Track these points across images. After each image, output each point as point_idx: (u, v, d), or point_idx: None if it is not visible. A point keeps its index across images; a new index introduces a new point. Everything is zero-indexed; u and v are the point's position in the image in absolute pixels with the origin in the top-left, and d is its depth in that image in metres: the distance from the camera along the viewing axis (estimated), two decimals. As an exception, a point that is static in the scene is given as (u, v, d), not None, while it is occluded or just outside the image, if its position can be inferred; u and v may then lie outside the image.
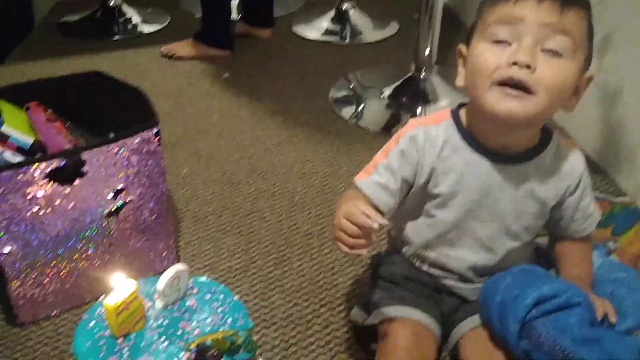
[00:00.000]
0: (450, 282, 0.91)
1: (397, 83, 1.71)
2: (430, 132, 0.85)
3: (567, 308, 0.74)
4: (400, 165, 0.85)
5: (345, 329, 0.98)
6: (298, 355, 0.94)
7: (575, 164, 0.86)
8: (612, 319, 0.79)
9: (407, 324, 0.88)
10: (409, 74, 1.71)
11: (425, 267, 0.91)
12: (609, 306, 0.80)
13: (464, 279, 0.90)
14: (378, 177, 0.86)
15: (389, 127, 1.61)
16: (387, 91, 1.71)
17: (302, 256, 1.14)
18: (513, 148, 0.83)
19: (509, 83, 0.75)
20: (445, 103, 1.64)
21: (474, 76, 0.79)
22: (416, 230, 0.90)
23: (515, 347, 0.77)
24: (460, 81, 0.84)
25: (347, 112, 1.66)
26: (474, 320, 0.88)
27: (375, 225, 0.73)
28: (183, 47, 1.99)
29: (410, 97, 1.68)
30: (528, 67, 0.74)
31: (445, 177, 0.85)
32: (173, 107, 1.67)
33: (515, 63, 0.74)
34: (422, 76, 1.69)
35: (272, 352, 0.95)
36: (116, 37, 2.18)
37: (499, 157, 0.83)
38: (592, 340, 0.72)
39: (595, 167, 1.38)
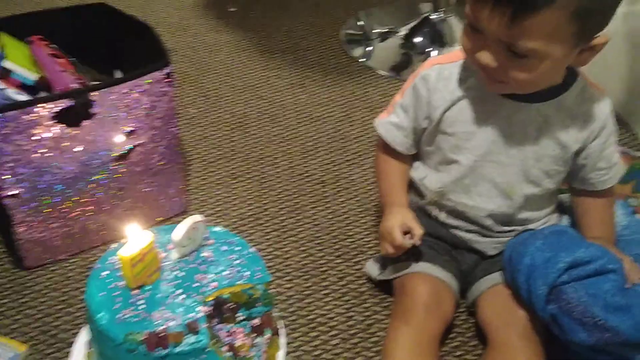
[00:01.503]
0: (469, 236, 0.88)
1: (413, 23, 1.64)
2: (444, 70, 0.83)
3: (601, 274, 0.72)
4: (413, 103, 0.86)
5: (361, 281, 0.97)
6: (313, 307, 0.93)
7: (601, 108, 0.82)
8: (637, 280, 0.78)
9: (424, 279, 0.86)
10: (425, 14, 1.64)
11: (442, 217, 0.89)
12: (635, 268, 0.78)
13: (482, 231, 0.88)
14: (394, 117, 0.89)
15: (401, 69, 1.55)
16: (403, 31, 1.63)
17: (315, 205, 1.11)
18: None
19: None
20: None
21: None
22: (432, 178, 0.88)
23: (542, 310, 0.75)
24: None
25: (359, 51, 1.60)
26: (494, 277, 0.87)
27: (410, 243, 0.83)
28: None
29: (425, 39, 1.61)
30: (491, 67, 0.73)
31: (460, 116, 0.83)
32: (179, 43, 1.59)
33: (478, 63, 0.74)
34: (439, 16, 1.61)
35: (287, 303, 0.93)
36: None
37: (516, 95, 0.80)
38: (622, 308, 0.70)
39: (617, 119, 1.32)
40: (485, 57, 0.73)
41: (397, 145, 0.88)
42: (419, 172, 0.90)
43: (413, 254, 0.89)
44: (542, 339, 0.80)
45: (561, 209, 0.94)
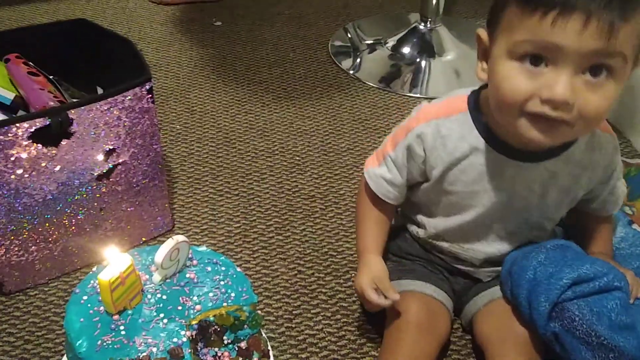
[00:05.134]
0: (463, 267, 0.86)
1: (401, 34, 1.62)
2: (442, 129, 0.76)
3: (606, 291, 0.69)
4: (407, 162, 0.80)
5: (352, 299, 0.94)
6: (303, 327, 0.90)
7: (609, 153, 0.78)
8: (639, 295, 0.75)
9: (417, 298, 0.84)
10: (414, 24, 1.62)
11: (436, 252, 0.87)
12: (637, 282, 0.76)
13: (479, 267, 0.86)
14: (385, 171, 0.82)
15: (391, 81, 1.53)
16: (391, 42, 1.62)
17: (304, 220, 1.09)
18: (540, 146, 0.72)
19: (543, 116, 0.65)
20: (451, 56, 1.56)
21: (499, 100, 0.67)
22: (429, 222, 0.85)
23: (544, 328, 0.73)
24: (481, 75, 0.72)
25: (347, 63, 1.58)
26: (492, 292, 0.84)
27: (388, 303, 0.79)
28: (172, -8, 1.87)
29: (414, 49, 1.60)
30: (567, 103, 0.63)
31: (462, 177, 0.77)
32: (163, 58, 1.57)
33: (550, 100, 0.63)
34: (427, 27, 1.60)
35: (276, 324, 0.90)
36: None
37: (522, 154, 0.74)
38: (628, 327, 0.67)
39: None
40: (559, 90, 0.61)
41: (387, 199, 0.83)
42: (413, 208, 0.87)
43: (405, 272, 0.87)
44: (542, 357, 0.78)
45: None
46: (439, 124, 0.76)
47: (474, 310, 0.85)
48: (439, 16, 1.59)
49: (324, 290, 0.96)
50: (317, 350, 0.87)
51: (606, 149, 0.78)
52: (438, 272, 0.87)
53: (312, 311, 0.92)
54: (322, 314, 0.92)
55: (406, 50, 1.60)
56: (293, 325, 0.90)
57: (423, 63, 1.57)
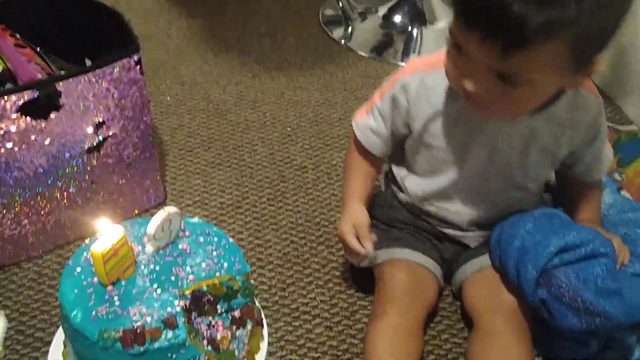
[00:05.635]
0: (451, 231, 0.87)
1: (393, 2, 1.60)
2: (426, 80, 0.77)
3: (592, 258, 0.70)
4: (391, 112, 0.82)
5: (344, 268, 0.95)
6: (296, 296, 0.91)
7: (592, 113, 0.78)
8: (626, 261, 0.76)
9: (405, 265, 0.85)
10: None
11: (424, 216, 0.87)
12: (624, 249, 0.77)
13: (465, 228, 0.86)
14: (371, 121, 0.84)
15: (383, 50, 1.52)
16: (382, 10, 1.60)
17: (296, 191, 1.09)
18: None
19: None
20: (444, 24, 1.54)
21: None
22: (414, 182, 0.86)
23: (532, 295, 0.74)
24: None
25: (338, 33, 1.57)
26: (481, 260, 0.86)
27: (364, 252, 0.81)
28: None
29: (405, 18, 1.58)
30: (476, 94, 0.66)
31: (445, 130, 0.78)
32: (152, 29, 1.55)
33: (463, 89, 0.67)
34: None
35: (269, 293, 0.91)
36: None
37: None
38: (614, 292, 0.69)
39: (601, 94, 1.32)
40: (471, 85, 0.66)
41: (372, 149, 0.85)
42: (401, 170, 0.88)
43: (393, 240, 0.88)
44: (529, 323, 0.79)
45: (545, 187, 0.92)
46: (423, 76, 0.78)
47: (463, 278, 0.86)
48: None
49: (316, 259, 0.97)
50: (310, 318, 0.88)
51: (590, 108, 0.78)
52: (426, 240, 0.88)
53: (304, 280, 0.93)
54: (314, 282, 0.93)
55: (397, 18, 1.59)
56: (286, 295, 0.91)
57: (415, 31, 1.56)
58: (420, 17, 1.57)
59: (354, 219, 0.82)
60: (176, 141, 1.20)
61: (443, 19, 1.56)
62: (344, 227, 0.82)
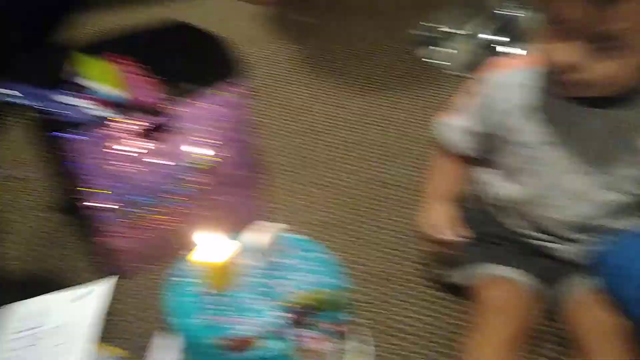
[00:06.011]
0: (550, 245, 0.84)
1: (483, 19, 1.59)
2: (510, 76, 0.79)
3: None
4: (476, 109, 0.83)
5: (443, 287, 0.95)
6: (394, 313, 0.92)
7: None
8: None
9: (504, 282, 0.84)
10: (498, 10, 1.59)
11: (515, 226, 0.85)
12: None
13: (559, 237, 0.83)
14: (456, 120, 0.86)
15: (474, 68, 1.51)
16: (473, 28, 1.60)
17: (394, 210, 1.10)
18: (613, 94, 0.73)
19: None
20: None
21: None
22: (505, 188, 0.84)
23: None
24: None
25: (436, 53, 1.57)
26: (584, 281, 0.82)
27: (450, 238, 0.82)
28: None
29: (499, 35, 1.56)
30: (573, 67, 0.67)
31: (530, 126, 0.78)
32: (248, 55, 1.60)
33: (558, 64, 0.68)
34: (512, 12, 1.56)
35: (367, 310, 0.93)
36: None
37: (593, 102, 0.73)
38: None
39: None
40: (566, 53, 0.67)
41: (457, 148, 0.86)
42: (489, 177, 0.87)
43: (489, 257, 0.86)
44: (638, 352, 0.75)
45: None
46: (513, 74, 0.79)
47: (566, 298, 0.83)
48: (525, 1, 1.56)
49: (414, 278, 0.97)
50: (406, 335, 0.88)
51: None
52: (524, 256, 0.86)
53: (402, 298, 0.94)
54: (410, 300, 0.93)
55: (488, 35, 1.58)
56: (384, 312, 0.92)
57: (506, 48, 1.54)
58: (514, 35, 1.55)
59: (437, 213, 0.84)
60: (275, 161, 1.25)
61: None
62: (427, 220, 0.84)
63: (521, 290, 0.83)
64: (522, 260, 0.86)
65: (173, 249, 1.02)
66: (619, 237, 0.78)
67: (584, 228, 0.81)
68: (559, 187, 0.80)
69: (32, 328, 0.74)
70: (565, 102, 0.75)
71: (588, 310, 0.80)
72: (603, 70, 0.68)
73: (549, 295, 0.86)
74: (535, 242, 0.85)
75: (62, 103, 0.91)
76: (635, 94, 0.73)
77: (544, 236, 0.84)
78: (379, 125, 1.32)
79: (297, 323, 0.77)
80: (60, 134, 0.82)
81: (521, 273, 0.84)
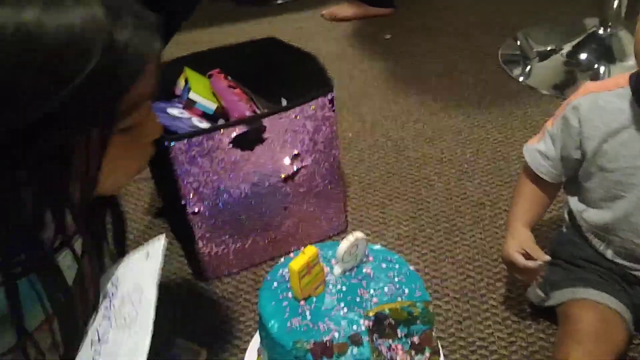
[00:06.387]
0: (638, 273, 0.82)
1: (579, 39, 1.56)
2: (599, 99, 0.77)
3: None
4: (562, 134, 0.81)
5: (523, 306, 0.93)
6: (472, 330, 0.92)
7: None
8: None
9: (591, 306, 0.82)
10: (592, 29, 1.55)
11: (609, 255, 0.83)
12: None
13: None
14: (541, 145, 0.85)
15: (565, 87, 1.48)
16: (567, 48, 1.57)
17: (472, 227, 1.10)
18: None
19: None
20: (634, 61, 1.46)
21: None
22: (593, 213, 0.83)
23: None
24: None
25: (517, 71, 1.56)
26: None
27: (536, 266, 0.80)
28: (344, 9, 1.98)
29: (592, 55, 1.53)
30: None
31: (622, 150, 0.76)
32: (336, 70, 1.66)
33: None
34: (608, 31, 1.52)
35: (445, 325, 0.93)
36: (279, 1, 2.22)
37: None
38: None
39: None
40: None
41: (542, 174, 0.85)
42: (578, 204, 0.86)
43: (578, 280, 0.85)
44: None
45: None
46: (596, 96, 0.78)
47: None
48: (621, 20, 1.51)
49: (493, 295, 0.96)
50: (487, 353, 0.88)
51: None
52: (614, 282, 0.84)
53: (481, 315, 0.93)
54: (491, 318, 0.93)
55: (583, 56, 1.54)
56: (462, 328, 0.92)
57: (602, 69, 1.50)
58: (608, 54, 1.51)
59: (519, 238, 0.83)
60: (357, 174, 1.28)
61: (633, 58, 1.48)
62: (510, 247, 0.83)
63: (612, 316, 0.81)
64: (613, 287, 0.84)
65: (260, 254, 1.07)
66: None
67: None
68: None
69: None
70: None
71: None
72: None
73: (637, 322, 0.84)
74: (627, 269, 0.83)
75: (173, 115, 0.98)
76: None
77: (636, 265, 0.82)
78: (464, 142, 1.32)
79: (376, 331, 0.78)
80: (167, 144, 0.88)
81: (612, 298, 0.82)
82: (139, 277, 0.66)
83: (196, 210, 0.96)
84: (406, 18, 1.92)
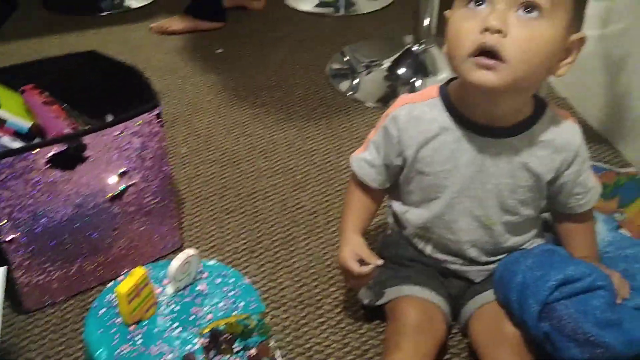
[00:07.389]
0: (456, 266, 0.91)
1: (396, 55, 1.68)
2: (414, 110, 0.84)
3: (590, 291, 0.74)
4: (384, 142, 0.87)
5: (356, 308, 0.98)
6: (309, 336, 0.94)
7: (571, 137, 0.83)
8: (626, 295, 0.79)
9: (414, 302, 0.88)
10: (408, 46, 1.69)
11: (428, 251, 0.91)
12: (624, 284, 0.80)
13: (468, 261, 0.90)
14: (366, 154, 0.90)
15: (387, 101, 1.59)
16: (387, 63, 1.68)
17: (307, 235, 1.13)
18: (503, 121, 0.80)
19: (481, 52, 0.72)
20: (445, 75, 1.61)
21: (450, 47, 0.76)
22: (413, 214, 0.90)
23: (535, 328, 0.77)
24: (445, 49, 0.79)
25: (345, 85, 1.64)
26: (484, 297, 0.89)
27: (367, 270, 0.85)
28: (174, 22, 1.94)
29: (409, 70, 1.66)
30: (499, 32, 0.71)
31: (435, 156, 0.84)
32: (168, 85, 1.64)
33: (486, 29, 0.71)
34: (421, 48, 1.66)
35: (283, 334, 0.94)
36: (104, 13, 2.12)
37: (489, 131, 0.81)
38: (613, 323, 0.71)
39: (599, 137, 1.37)
40: (491, 19, 0.70)
41: (368, 181, 0.90)
42: (400, 207, 0.92)
43: (402, 279, 0.91)
44: (533, 357, 0.81)
45: (544, 227, 0.95)
46: (412, 107, 0.85)
47: (469, 314, 0.89)
48: (432, 37, 1.66)
49: (328, 300, 1.00)
50: (324, 357, 0.91)
51: (568, 132, 0.82)
52: (434, 277, 0.91)
53: (317, 320, 0.96)
54: (327, 323, 0.96)
55: (401, 70, 1.66)
56: (300, 335, 0.94)
57: (418, 83, 1.63)
58: (422, 69, 1.65)
59: (352, 245, 0.87)
60: (192, 190, 1.25)
61: (445, 70, 1.63)
62: (345, 254, 0.87)
63: (433, 309, 0.88)
64: (432, 282, 0.91)
65: (88, 280, 1.00)
66: (508, 257, 0.85)
67: (488, 250, 0.88)
68: (462, 212, 0.86)
69: None
70: (470, 133, 0.81)
71: (487, 323, 0.86)
72: (518, 36, 0.72)
73: (458, 312, 0.92)
74: (444, 264, 0.91)
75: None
76: (531, 121, 0.81)
77: (451, 258, 0.90)
78: (296, 154, 1.36)
79: (212, 348, 0.77)
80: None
81: (432, 293, 0.89)
82: None
83: (10, 237, 0.88)
84: (237, 33, 1.93)
